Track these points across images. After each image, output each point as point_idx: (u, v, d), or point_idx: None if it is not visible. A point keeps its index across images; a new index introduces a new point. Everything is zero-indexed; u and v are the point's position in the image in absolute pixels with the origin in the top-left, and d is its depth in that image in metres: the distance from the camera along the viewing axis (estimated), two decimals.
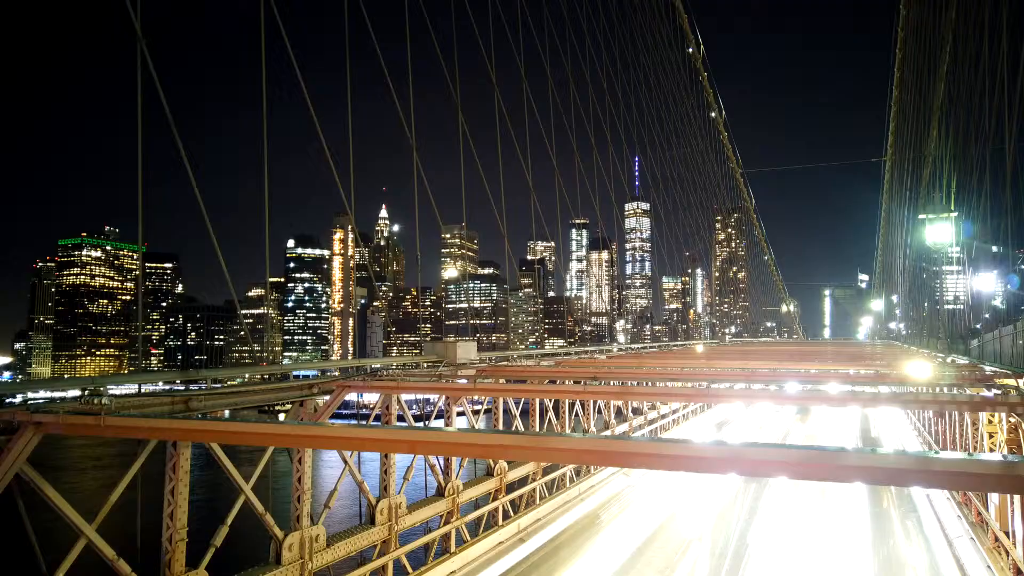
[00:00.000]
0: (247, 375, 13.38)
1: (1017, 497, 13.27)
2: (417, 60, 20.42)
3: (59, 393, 9.63)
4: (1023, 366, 16.76)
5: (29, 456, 8.03)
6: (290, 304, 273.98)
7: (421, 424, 17.06)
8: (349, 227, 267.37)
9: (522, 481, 19.26)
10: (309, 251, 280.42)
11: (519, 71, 29.37)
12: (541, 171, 32.17)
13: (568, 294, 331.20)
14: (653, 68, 58.81)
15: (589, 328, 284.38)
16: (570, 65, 37.12)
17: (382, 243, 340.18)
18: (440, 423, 14.84)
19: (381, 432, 8.83)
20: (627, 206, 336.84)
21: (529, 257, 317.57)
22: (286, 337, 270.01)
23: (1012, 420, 15.11)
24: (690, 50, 73.70)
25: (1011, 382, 14.16)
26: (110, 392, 8.78)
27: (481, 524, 17.19)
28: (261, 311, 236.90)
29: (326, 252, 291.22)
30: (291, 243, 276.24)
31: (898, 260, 68.46)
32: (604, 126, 43.15)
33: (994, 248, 29.04)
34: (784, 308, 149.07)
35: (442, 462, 15.50)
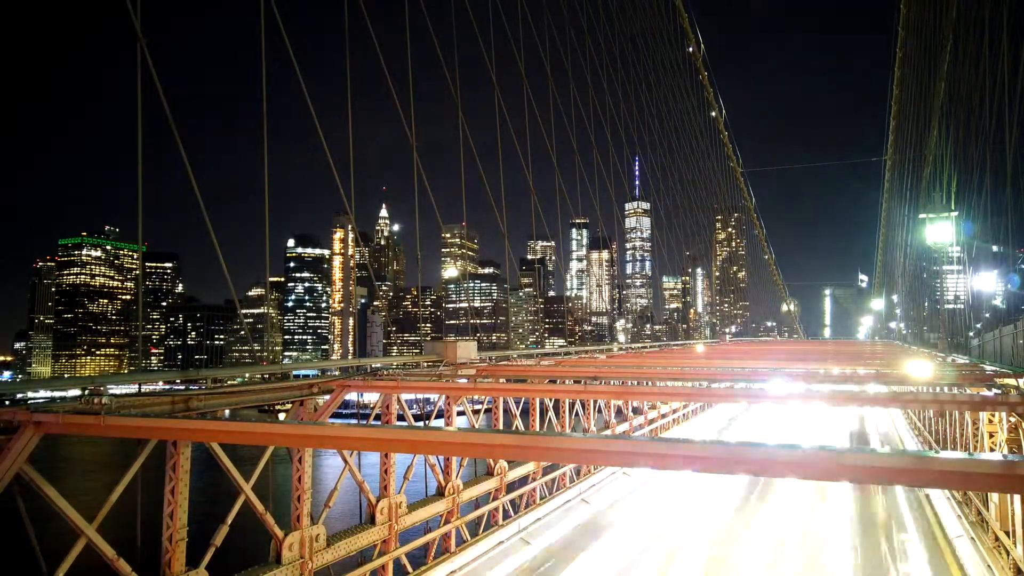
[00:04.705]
0: (247, 375, 13.37)
1: (1018, 496, 13.26)
2: (417, 59, 20.42)
3: (59, 393, 9.62)
4: (1023, 365, 16.76)
5: (29, 456, 8.02)
6: (290, 304, 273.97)
7: (421, 424, 17.05)
8: (349, 227, 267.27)
9: (522, 481, 19.25)
10: (309, 251, 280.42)
11: (519, 71, 29.36)
12: (541, 171, 32.16)
13: (568, 294, 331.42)
14: (653, 67, 58.75)
15: (589, 328, 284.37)
16: (570, 64, 37.11)
17: (382, 243, 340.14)
18: (440, 423, 14.84)
19: (381, 432, 8.82)
20: (627, 206, 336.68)
21: (529, 257, 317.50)
22: (286, 337, 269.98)
23: (1012, 420, 15.11)
24: (690, 49, 73.61)
25: (1011, 381, 14.14)
26: (110, 392, 8.77)
27: (481, 524, 17.18)
28: (261, 311, 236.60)
29: (326, 252, 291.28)
30: (291, 243, 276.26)
31: (898, 260, 68.47)
32: (604, 126, 43.14)
33: (994, 247, 29.03)
34: (784, 308, 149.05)
35: (442, 462, 15.49)
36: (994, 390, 13.49)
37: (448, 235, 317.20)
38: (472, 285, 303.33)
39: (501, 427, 20.29)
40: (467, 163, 23.78)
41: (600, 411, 27.22)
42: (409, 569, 13.91)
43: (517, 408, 20.21)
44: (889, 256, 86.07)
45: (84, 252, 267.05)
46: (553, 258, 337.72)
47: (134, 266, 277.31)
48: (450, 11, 23.49)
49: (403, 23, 20.39)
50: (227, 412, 10.87)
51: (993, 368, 18.37)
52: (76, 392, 8.85)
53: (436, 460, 15.21)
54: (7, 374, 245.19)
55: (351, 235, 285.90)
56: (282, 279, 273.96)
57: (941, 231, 39.03)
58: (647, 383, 23.60)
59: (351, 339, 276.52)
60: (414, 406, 18.27)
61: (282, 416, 18.81)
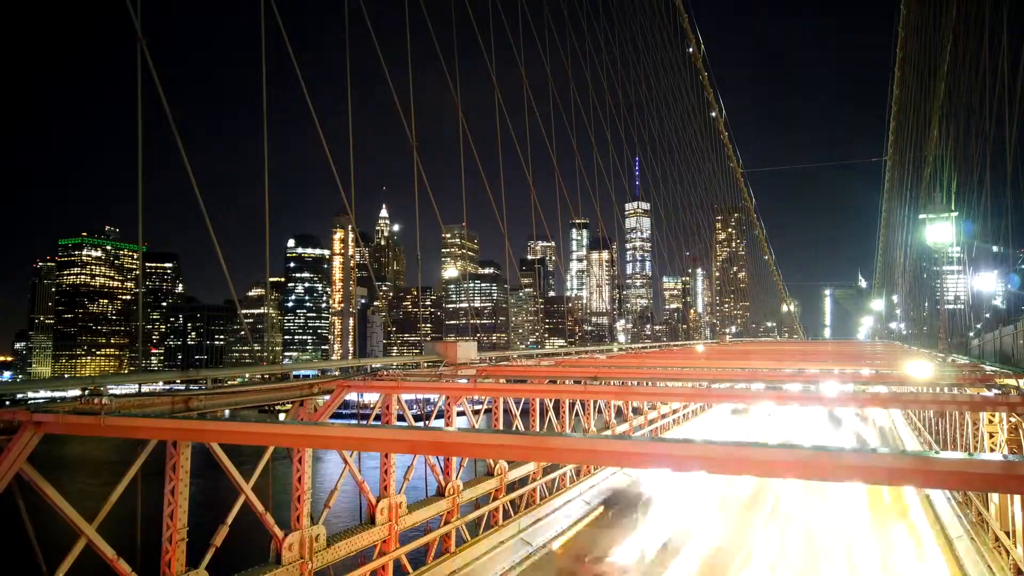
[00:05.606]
0: (247, 375, 13.37)
1: (1018, 496, 13.25)
2: (418, 59, 20.44)
3: (59, 393, 9.62)
4: (1023, 365, 16.75)
5: (29, 456, 8.02)
6: (290, 304, 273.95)
7: (421, 424, 17.04)
8: (349, 227, 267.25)
9: (522, 481, 19.24)
10: (309, 251, 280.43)
11: (519, 71, 29.37)
12: (541, 171, 32.18)
13: (568, 294, 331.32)
14: (653, 68, 58.80)
15: (589, 328, 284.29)
16: (570, 65, 37.12)
17: (382, 243, 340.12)
18: (440, 423, 14.83)
19: (381, 432, 8.82)
20: (627, 206, 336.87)
21: (529, 257, 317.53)
22: (286, 337, 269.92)
23: (1012, 420, 15.09)
24: (690, 50, 73.71)
25: (1011, 382, 14.13)
26: (110, 392, 8.77)
27: (481, 524, 17.17)
28: (261, 311, 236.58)
29: (326, 252, 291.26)
30: (291, 243, 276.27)
31: (898, 260, 68.46)
32: (604, 126, 43.16)
33: (994, 248, 29.02)
34: (784, 308, 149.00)
35: (442, 462, 15.48)
36: (994, 390, 13.47)
37: (448, 235, 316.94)
38: (472, 285, 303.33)
39: (501, 427, 20.29)
40: (467, 163, 23.82)
41: (600, 411, 27.22)
42: (409, 569, 13.91)
43: (517, 408, 20.21)
44: (889, 256, 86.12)
45: (84, 252, 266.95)
46: (553, 258, 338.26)
47: (134, 266, 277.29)
48: (450, 11, 23.52)
49: (403, 23, 20.41)
50: (227, 412, 10.87)
51: (993, 368, 18.37)
52: (76, 392, 8.86)
53: (436, 460, 15.20)
54: (7, 374, 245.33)
55: (351, 235, 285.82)
56: (282, 279, 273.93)
57: (941, 231, 39.00)
58: (647, 383, 23.59)
59: (351, 339, 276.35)
60: (414, 406, 18.25)
61: (282, 416, 18.81)
